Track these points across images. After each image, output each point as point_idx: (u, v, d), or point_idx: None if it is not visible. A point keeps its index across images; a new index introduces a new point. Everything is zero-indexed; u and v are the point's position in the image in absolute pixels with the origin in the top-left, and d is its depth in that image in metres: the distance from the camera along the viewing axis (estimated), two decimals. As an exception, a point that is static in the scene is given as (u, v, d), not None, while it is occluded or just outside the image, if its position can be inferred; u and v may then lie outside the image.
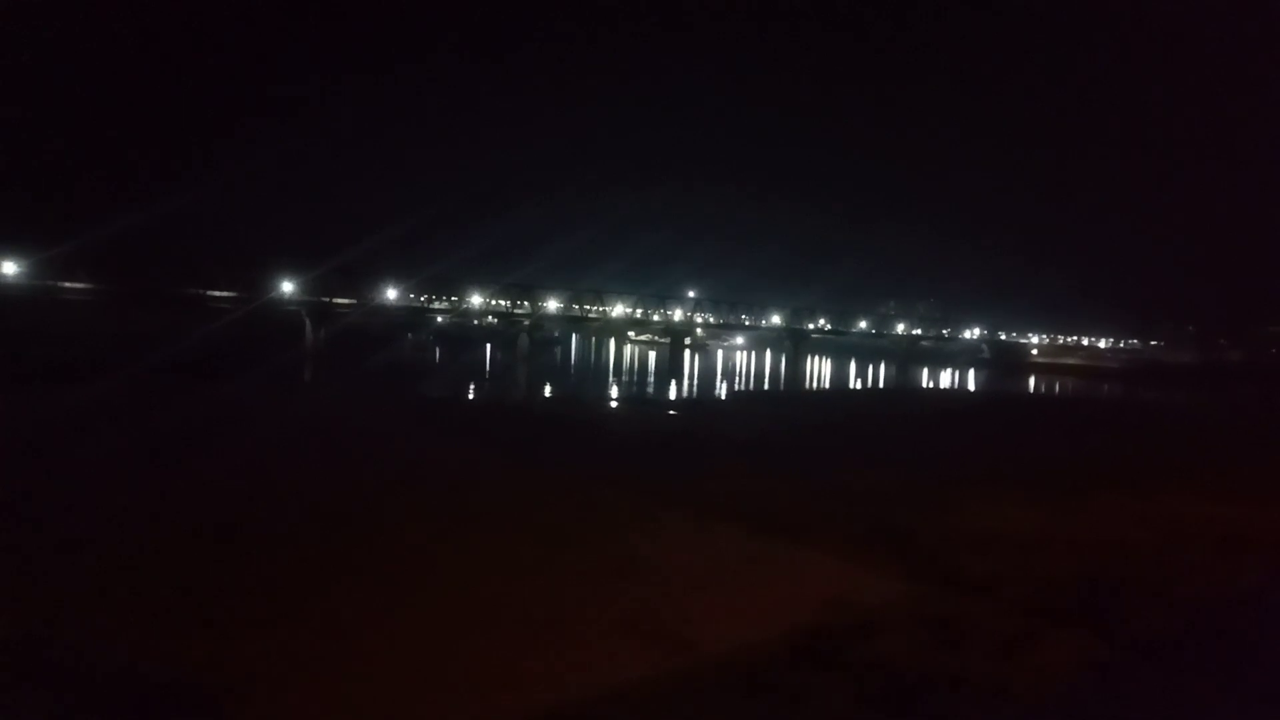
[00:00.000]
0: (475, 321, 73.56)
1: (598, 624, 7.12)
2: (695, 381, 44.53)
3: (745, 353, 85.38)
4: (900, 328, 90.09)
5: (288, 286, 48.20)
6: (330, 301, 49.80)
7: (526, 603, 7.54)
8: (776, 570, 9.02)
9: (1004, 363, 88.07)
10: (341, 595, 7.52)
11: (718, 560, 9.28)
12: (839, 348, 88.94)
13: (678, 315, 70.89)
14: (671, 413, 27.66)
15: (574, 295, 64.00)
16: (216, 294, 46.71)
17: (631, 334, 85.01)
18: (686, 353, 74.41)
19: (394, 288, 54.23)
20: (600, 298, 66.25)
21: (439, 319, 72.74)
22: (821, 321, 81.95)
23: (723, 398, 36.09)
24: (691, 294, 77.42)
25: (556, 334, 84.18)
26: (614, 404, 29.79)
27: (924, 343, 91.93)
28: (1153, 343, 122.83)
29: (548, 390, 35.28)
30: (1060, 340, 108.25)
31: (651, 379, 45.85)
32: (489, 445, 17.45)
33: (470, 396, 30.74)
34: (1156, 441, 25.13)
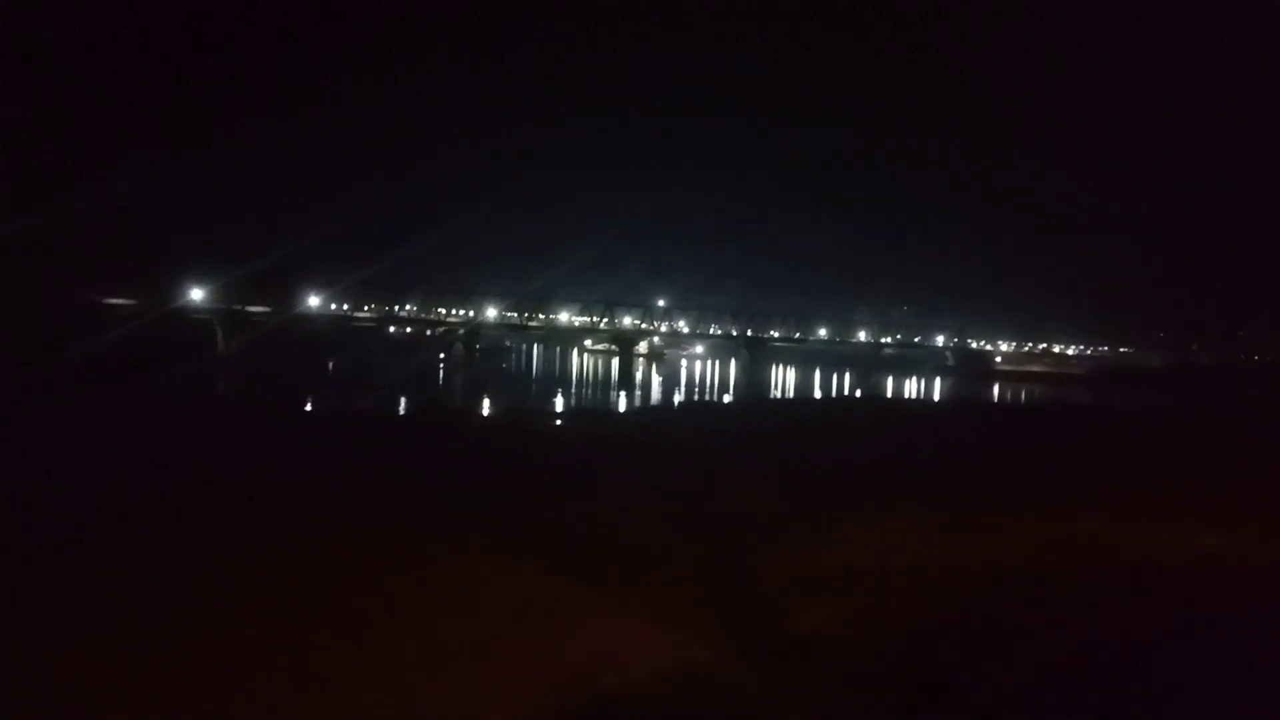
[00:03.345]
0: (428, 331, 71.38)
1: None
2: (634, 392, 42.68)
3: (704, 362, 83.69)
4: (863, 334, 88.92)
5: (197, 293, 45.65)
6: (243, 309, 47.24)
7: (149, 690, 5.64)
8: (540, 630, 7.12)
9: (969, 370, 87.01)
10: None
11: (472, 616, 7.39)
12: (802, 355, 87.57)
13: (628, 322, 68.90)
14: (576, 424, 25.68)
15: (515, 301, 61.68)
16: (116, 301, 44.08)
17: (588, 343, 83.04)
18: (641, 362, 72.53)
19: (317, 295, 51.77)
20: (544, 304, 64.06)
21: (404, 328, 70.41)
22: (774, 332, 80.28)
23: (652, 407, 34.20)
24: (660, 301, 75.72)
25: (508, 343, 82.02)
26: (518, 416, 27.69)
27: (888, 350, 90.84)
28: (1122, 349, 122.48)
29: (459, 401, 33.19)
30: (1027, 347, 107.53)
31: (586, 389, 43.92)
32: (321, 462, 15.29)
33: (362, 408, 28.48)
34: (1099, 452, 23.33)
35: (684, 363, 79.65)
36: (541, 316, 65.53)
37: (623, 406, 33.91)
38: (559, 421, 26.43)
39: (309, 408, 27.39)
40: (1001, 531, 11.34)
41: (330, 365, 47.38)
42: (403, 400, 31.67)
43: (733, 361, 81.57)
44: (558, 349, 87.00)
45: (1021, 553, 10.25)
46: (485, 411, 29.19)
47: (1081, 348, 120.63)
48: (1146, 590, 8.92)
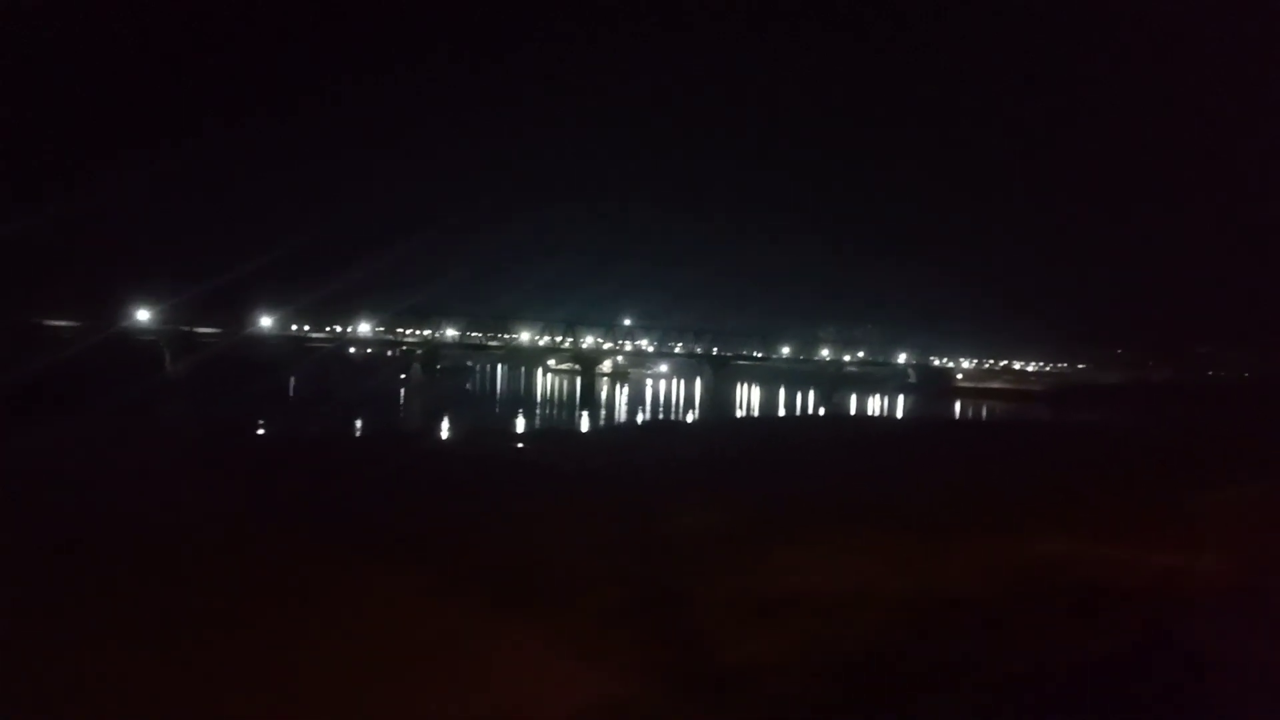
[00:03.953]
0: (389, 352, 70.45)
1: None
2: (594, 412, 42.37)
3: (668, 381, 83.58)
4: (826, 352, 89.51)
5: (144, 314, 44.28)
6: (192, 330, 45.94)
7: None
8: (454, 667, 6.71)
9: (930, 387, 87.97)
10: None
11: (383, 652, 6.93)
12: (766, 374, 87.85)
13: (589, 341, 68.56)
14: (527, 446, 25.29)
15: (476, 321, 60.95)
16: (58, 322, 42.53)
17: (551, 362, 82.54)
18: (605, 381, 72.30)
19: (270, 315, 50.53)
20: (504, 323, 63.56)
21: (365, 349, 69.10)
22: (740, 350, 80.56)
23: (608, 428, 33.98)
24: (626, 320, 75.37)
25: (470, 363, 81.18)
26: (467, 438, 27.23)
27: (850, 367, 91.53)
28: (1081, 365, 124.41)
29: (409, 425, 32.59)
30: (987, 364, 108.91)
31: (545, 410, 43.50)
32: (249, 491, 14.68)
33: (308, 434, 27.76)
34: (1054, 468, 23.36)
35: (649, 382, 79.45)
36: (505, 336, 64.95)
37: (578, 427, 33.60)
38: (509, 444, 25.99)
39: (250, 435, 26.58)
40: (957, 554, 11.11)
41: (281, 389, 46.20)
42: (348, 424, 31.00)
43: (698, 380, 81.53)
44: (522, 369, 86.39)
45: (977, 575, 10.06)
46: (433, 434, 28.65)
47: (1041, 364, 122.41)
48: (1096, 617, 8.73)
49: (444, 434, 28.31)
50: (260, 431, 26.89)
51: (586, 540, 11.45)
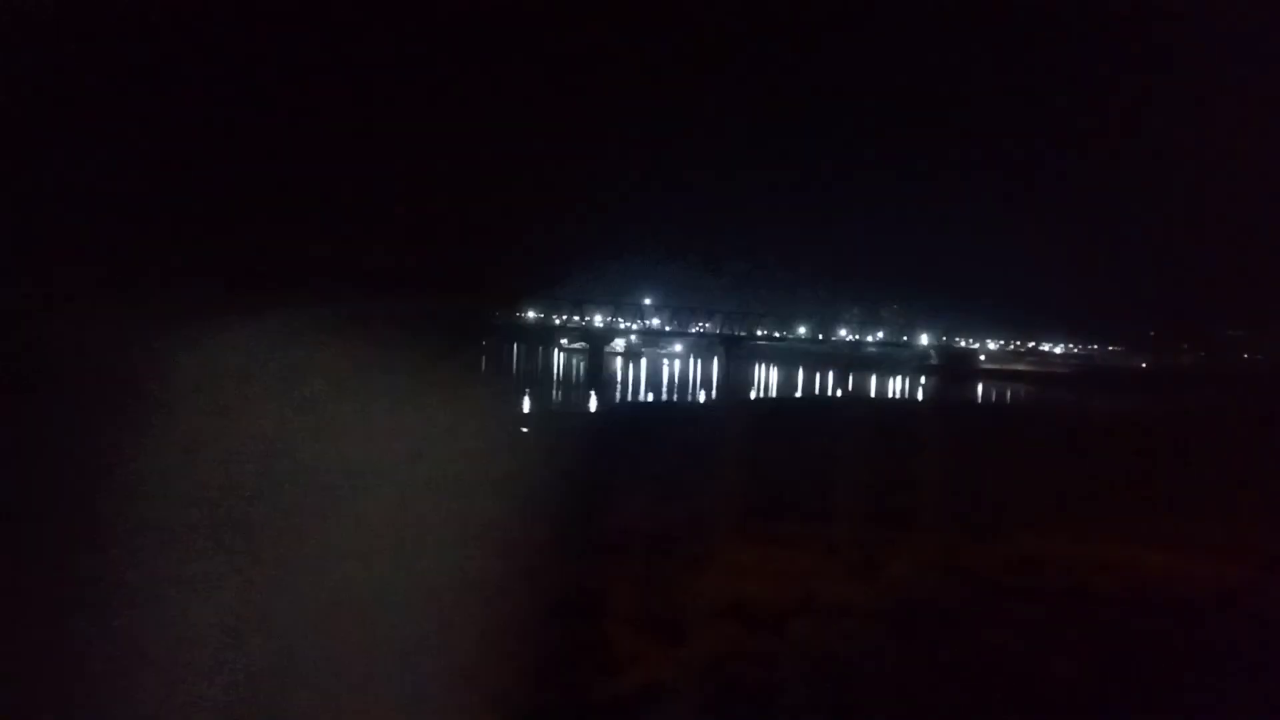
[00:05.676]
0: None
1: None
2: (600, 392, 41.72)
3: (682, 361, 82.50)
4: (844, 333, 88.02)
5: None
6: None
7: None
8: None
9: (952, 369, 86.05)
10: None
11: None
12: (783, 354, 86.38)
13: (598, 320, 67.62)
14: (509, 426, 24.34)
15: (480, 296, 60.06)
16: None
17: (564, 341, 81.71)
18: (619, 361, 71.59)
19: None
20: (512, 299, 62.70)
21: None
22: (758, 330, 79.25)
23: (604, 408, 33.19)
24: (647, 300, 74.41)
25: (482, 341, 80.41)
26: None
27: (870, 349, 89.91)
28: (1111, 348, 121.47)
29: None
30: (1012, 346, 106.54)
31: (550, 390, 42.90)
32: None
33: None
34: (1064, 456, 21.93)
35: (664, 362, 78.38)
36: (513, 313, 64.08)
37: (569, 408, 32.84)
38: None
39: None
40: (931, 552, 10.14)
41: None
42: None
43: (714, 361, 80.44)
44: (540, 348, 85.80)
45: (938, 578, 9.09)
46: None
47: (1070, 346, 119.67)
48: (1074, 632, 7.64)
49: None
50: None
51: (511, 537, 10.52)
